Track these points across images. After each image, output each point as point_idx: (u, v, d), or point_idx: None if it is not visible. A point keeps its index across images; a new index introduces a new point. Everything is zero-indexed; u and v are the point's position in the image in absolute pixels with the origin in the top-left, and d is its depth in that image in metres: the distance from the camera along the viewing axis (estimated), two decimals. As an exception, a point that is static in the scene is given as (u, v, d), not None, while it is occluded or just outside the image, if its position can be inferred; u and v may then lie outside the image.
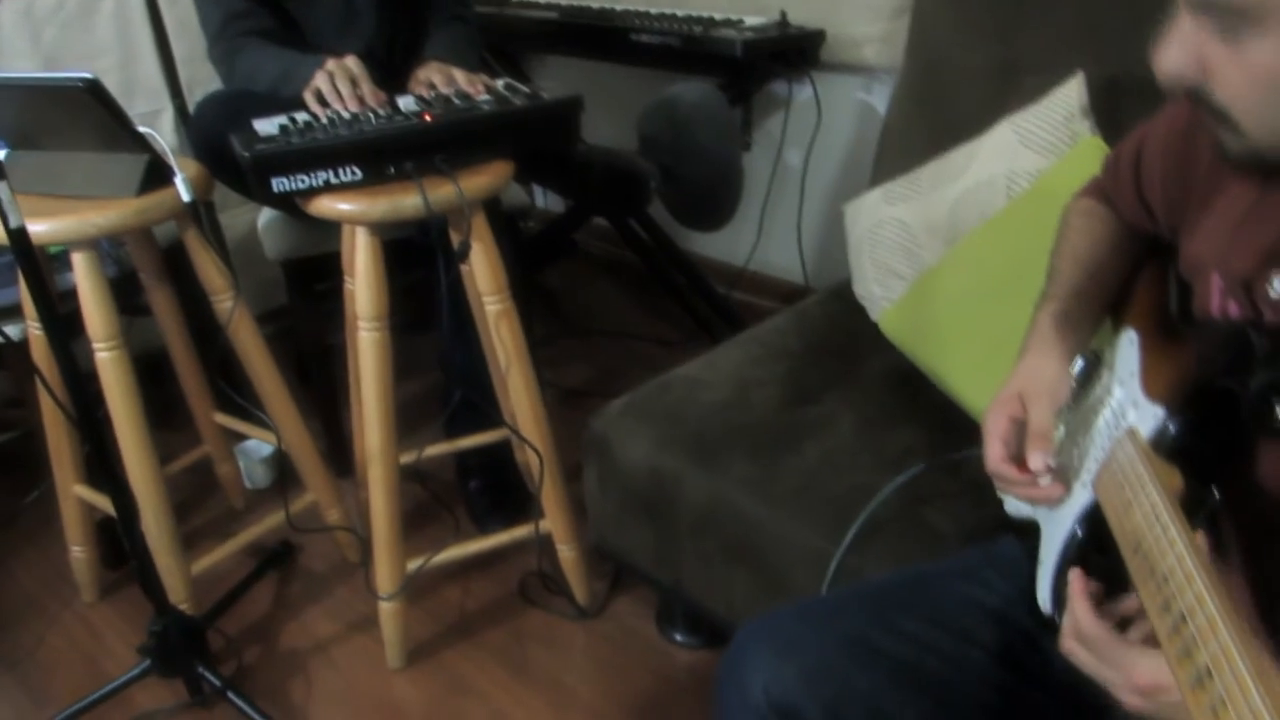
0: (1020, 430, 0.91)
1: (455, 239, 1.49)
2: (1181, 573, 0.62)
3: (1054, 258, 1.03)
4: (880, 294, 1.61)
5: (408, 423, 1.62)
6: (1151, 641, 0.70)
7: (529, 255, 2.71)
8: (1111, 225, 1.02)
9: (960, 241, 1.49)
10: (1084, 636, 0.71)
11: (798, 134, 2.40)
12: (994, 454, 0.91)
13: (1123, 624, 0.72)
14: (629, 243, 2.55)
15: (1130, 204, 0.98)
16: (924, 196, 1.58)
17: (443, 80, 1.60)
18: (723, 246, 2.72)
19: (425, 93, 1.58)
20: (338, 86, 1.54)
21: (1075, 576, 0.74)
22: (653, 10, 2.36)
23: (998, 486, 0.94)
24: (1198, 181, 0.84)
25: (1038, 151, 1.46)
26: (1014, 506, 1.03)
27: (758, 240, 2.59)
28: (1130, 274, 1.00)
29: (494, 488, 1.97)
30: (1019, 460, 0.89)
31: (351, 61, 1.58)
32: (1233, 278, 0.76)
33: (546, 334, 2.68)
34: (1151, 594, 0.64)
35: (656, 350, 2.52)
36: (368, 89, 1.55)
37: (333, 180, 1.37)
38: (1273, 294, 0.73)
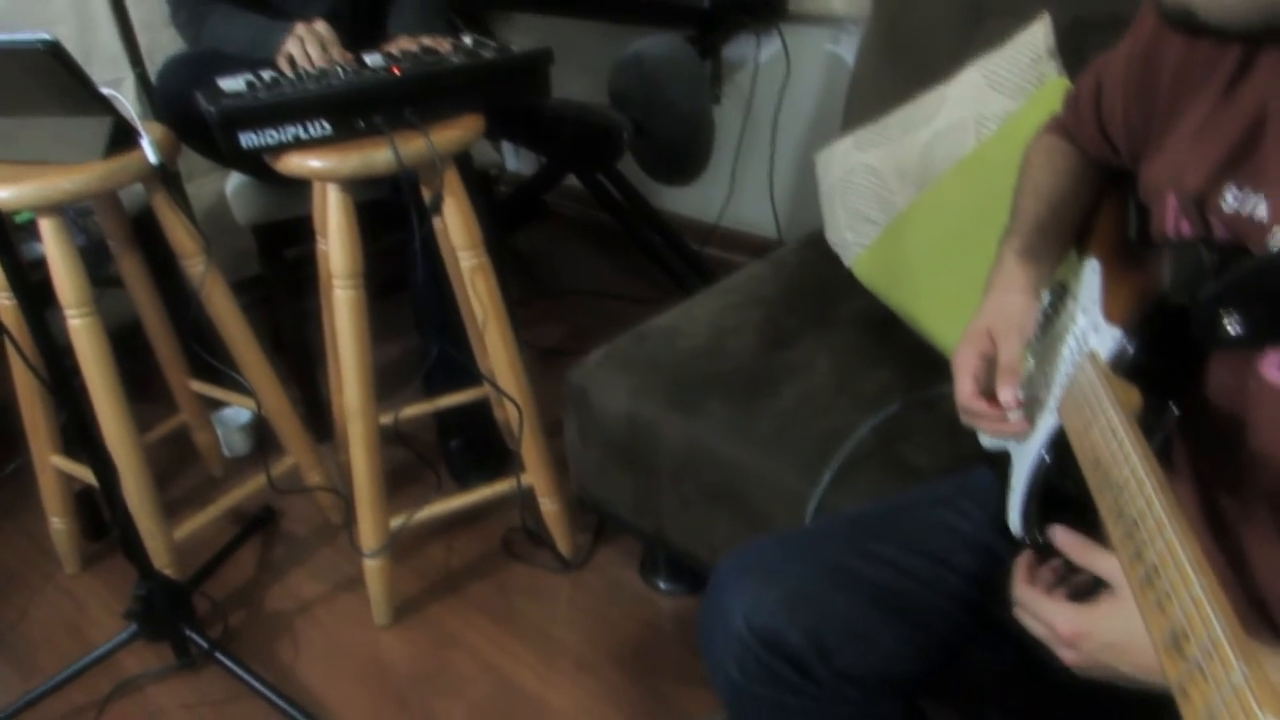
0: (990, 365, 0.92)
1: (427, 195, 1.48)
2: (1134, 481, 0.64)
3: (1017, 194, 1.05)
4: (853, 240, 1.62)
5: (386, 386, 1.63)
6: (1082, 593, 0.75)
7: (501, 218, 2.70)
8: (1073, 160, 1.03)
9: (930, 185, 1.50)
10: (1020, 602, 0.76)
11: (767, 87, 2.40)
12: (965, 390, 0.92)
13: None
14: (601, 202, 2.55)
15: (1092, 137, 0.99)
16: (894, 142, 1.59)
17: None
18: (695, 203, 2.73)
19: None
20: (308, 51, 1.54)
21: (1021, 559, 0.81)
22: (619, -35, 2.35)
23: (964, 422, 0.95)
24: (1158, 105, 0.85)
25: (1006, 94, 1.47)
26: (988, 439, 1.05)
27: (729, 195, 2.60)
28: (1093, 206, 1.02)
29: (475, 446, 1.98)
30: (989, 394, 0.91)
31: (321, 26, 1.58)
32: (1187, 195, 0.77)
33: (521, 296, 2.68)
34: (1108, 504, 0.67)
35: (631, 308, 2.52)
36: (337, 53, 1.55)
37: (302, 135, 1.36)
38: (1225, 207, 0.74)
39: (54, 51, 1.32)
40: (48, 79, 1.37)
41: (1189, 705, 0.50)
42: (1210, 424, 0.78)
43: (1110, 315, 0.85)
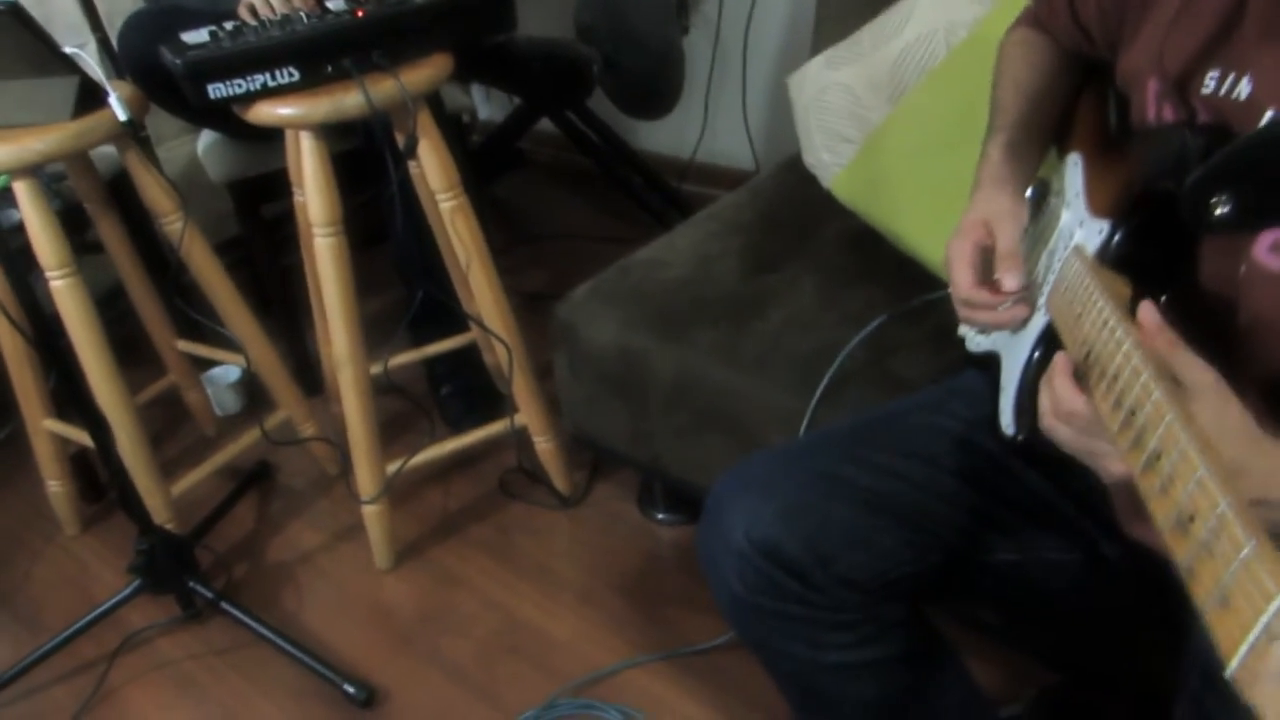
0: (985, 256, 0.92)
1: (401, 139, 1.47)
2: (1129, 368, 0.63)
3: (995, 90, 1.04)
4: (830, 160, 1.62)
5: (373, 338, 1.62)
6: None
7: (478, 166, 2.68)
8: (1050, 52, 1.03)
9: (904, 97, 1.50)
10: (1067, 413, 0.70)
11: (734, 14, 2.37)
12: (965, 280, 0.91)
13: None
14: (577, 144, 2.53)
15: (1066, 28, 0.99)
16: (866, 58, 1.58)
17: None
18: (670, 139, 2.71)
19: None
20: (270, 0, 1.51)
21: (1060, 357, 0.73)
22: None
23: (963, 316, 0.95)
24: None
25: (974, 0, 1.46)
26: (975, 342, 1.06)
27: (704, 129, 2.58)
28: (1072, 98, 1.02)
29: (466, 392, 1.98)
30: (989, 286, 0.91)
31: None
32: (1167, 80, 0.77)
33: (502, 244, 2.66)
34: (1103, 395, 0.66)
35: (612, 249, 2.47)
36: (299, 0, 1.52)
37: (270, 83, 1.35)
38: (1206, 90, 0.74)
39: (14, 11, 1.30)
40: (10, 41, 1.35)
41: (1198, 584, 0.49)
42: (1201, 311, 0.77)
43: (1095, 208, 0.85)
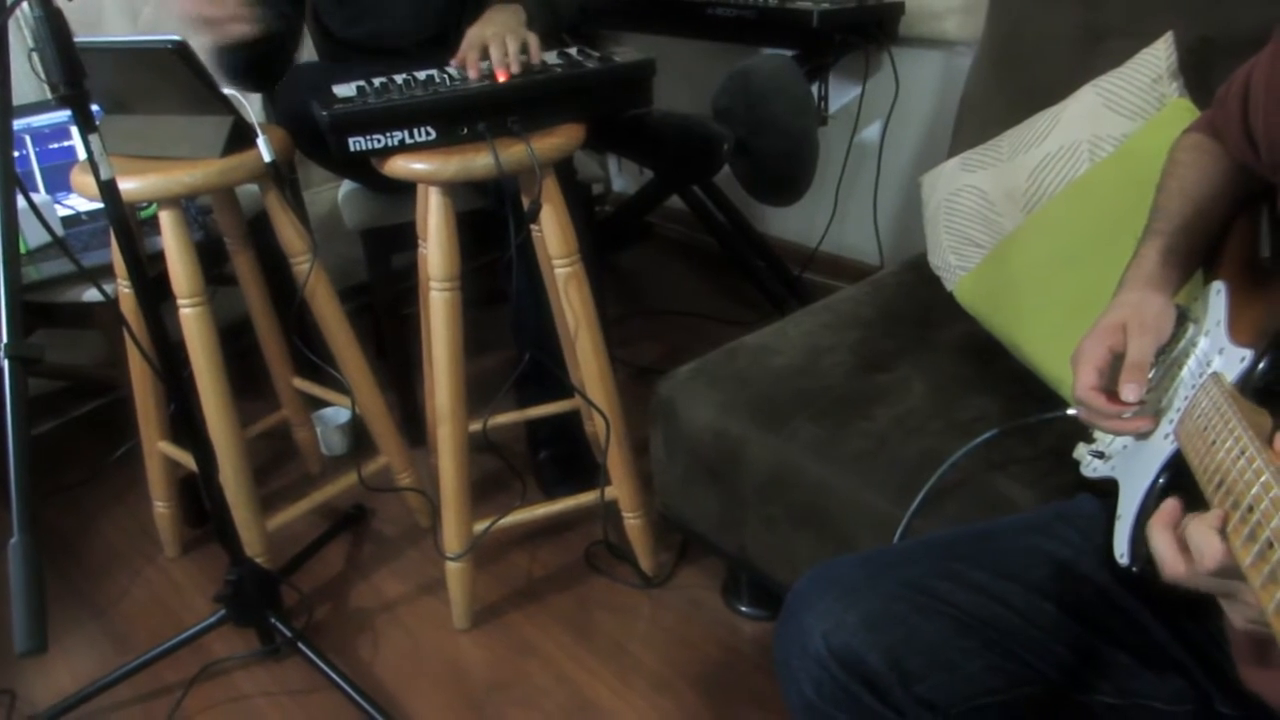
0: (1117, 362, 0.88)
1: (526, 203, 1.50)
2: (1269, 500, 0.60)
3: (1160, 192, 1.00)
4: (956, 263, 1.57)
5: (481, 395, 1.64)
6: None
7: (604, 236, 2.72)
8: (1222, 161, 0.98)
9: (1041, 207, 1.45)
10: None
11: (874, 110, 2.37)
12: (1086, 381, 0.88)
13: None
14: (704, 223, 2.54)
15: (1237, 137, 0.94)
16: (1004, 164, 1.54)
17: (490, 31, 1.52)
18: (797, 227, 2.70)
19: (470, 57, 1.52)
20: None
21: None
22: (728, -14, 2.35)
23: (1083, 417, 0.91)
24: None
25: (1124, 115, 1.41)
26: (1091, 467, 1.01)
27: (832, 220, 2.56)
28: (1235, 212, 0.96)
29: (563, 458, 1.98)
30: (1109, 393, 0.87)
31: None
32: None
33: (619, 314, 2.69)
34: (1235, 526, 0.62)
35: (728, 330, 2.49)
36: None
37: (407, 140, 1.39)
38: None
39: (181, 52, 1.38)
40: (175, 78, 1.43)
41: None
42: None
43: (1237, 337, 0.81)
